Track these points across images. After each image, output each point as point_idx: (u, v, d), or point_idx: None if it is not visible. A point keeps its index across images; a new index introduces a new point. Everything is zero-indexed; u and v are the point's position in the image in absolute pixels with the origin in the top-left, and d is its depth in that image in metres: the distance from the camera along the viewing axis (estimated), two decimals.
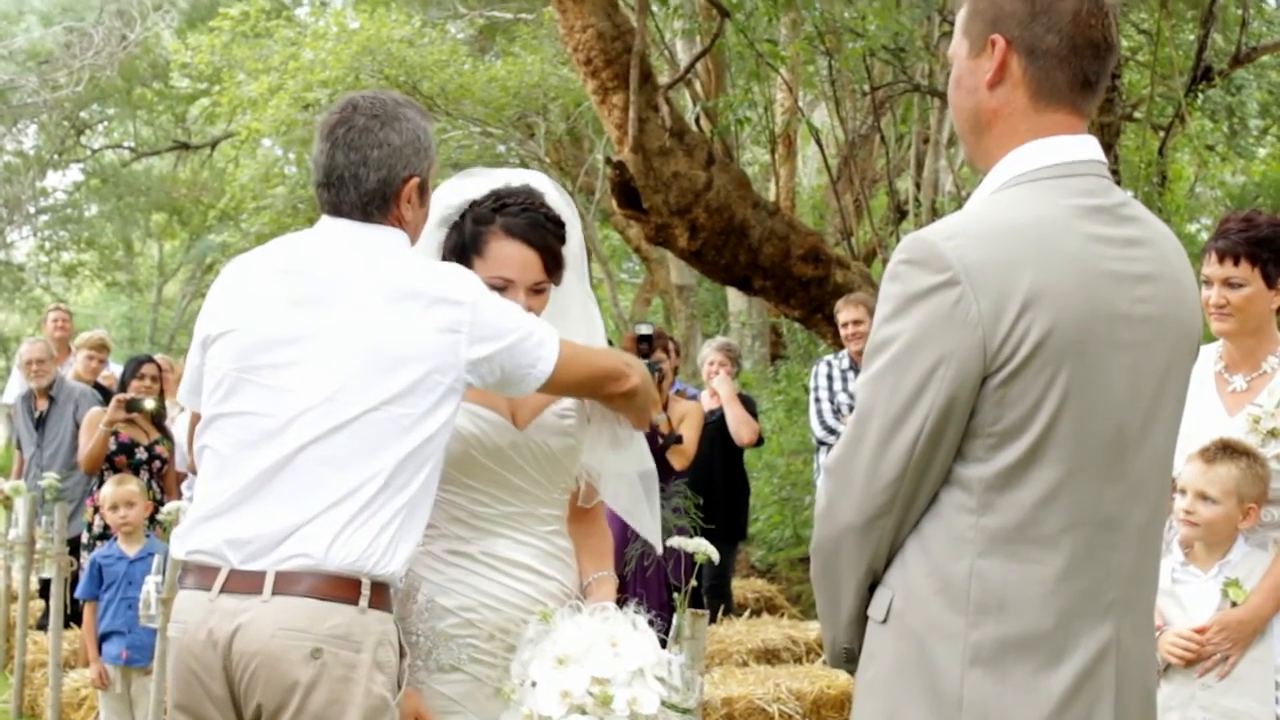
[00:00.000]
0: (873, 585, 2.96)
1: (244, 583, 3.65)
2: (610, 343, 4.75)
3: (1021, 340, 2.75)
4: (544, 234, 4.16)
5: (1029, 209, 2.87)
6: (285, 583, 3.62)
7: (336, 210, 3.92)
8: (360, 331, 3.72)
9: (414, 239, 3.98)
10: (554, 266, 4.19)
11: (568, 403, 4.22)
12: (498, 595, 4.02)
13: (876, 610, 2.94)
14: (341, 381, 3.69)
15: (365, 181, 3.87)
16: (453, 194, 4.25)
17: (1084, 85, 2.97)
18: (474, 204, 4.20)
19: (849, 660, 3.05)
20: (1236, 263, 4.97)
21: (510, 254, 4.11)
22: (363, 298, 3.76)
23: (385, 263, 3.82)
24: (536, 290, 4.15)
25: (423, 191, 3.96)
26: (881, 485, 2.85)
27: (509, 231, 4.11)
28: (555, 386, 3.92)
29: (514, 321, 3.80)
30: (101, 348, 12.82)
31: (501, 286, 4.05)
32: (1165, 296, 2.95)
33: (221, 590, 3.66)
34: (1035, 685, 2.79)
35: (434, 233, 4.22)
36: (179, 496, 10.22)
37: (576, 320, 4.34)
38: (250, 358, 3.81)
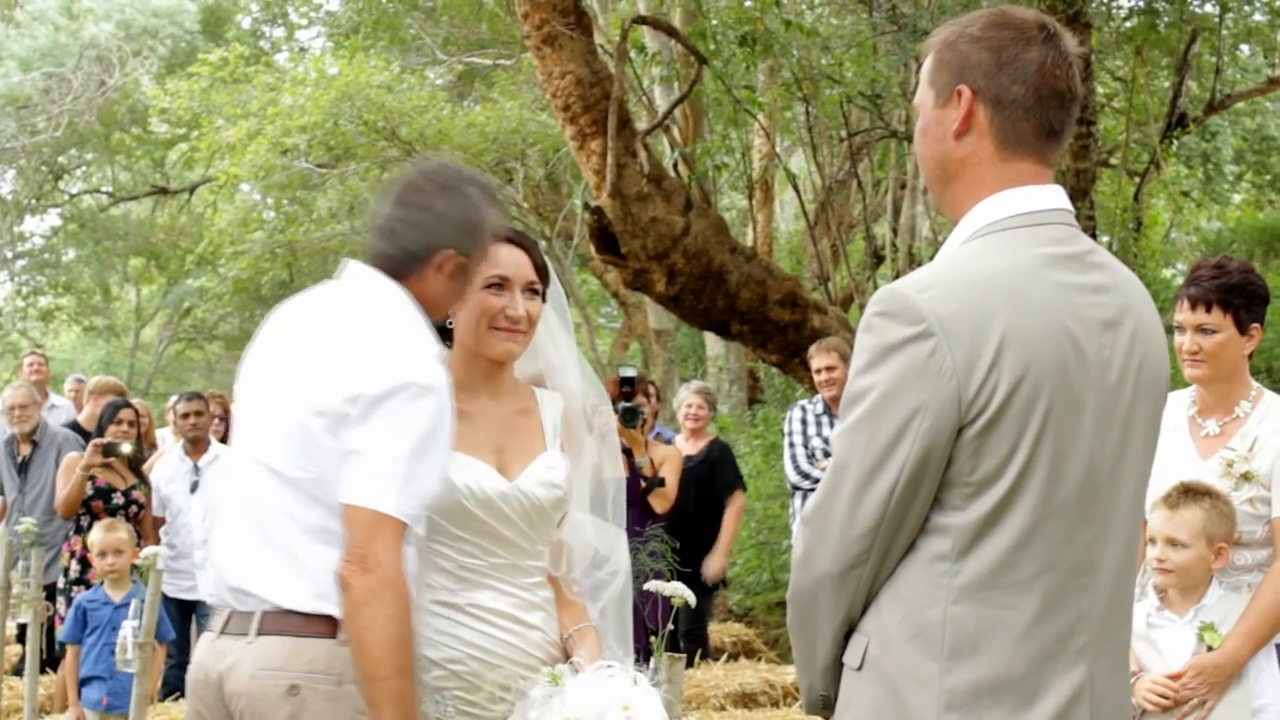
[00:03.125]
0: (848, 633, 2.98)
1: (238, 624, 3.75)
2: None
3: (995, 390, 2.78)
4: (527, 240, 4.24)
5: (1000, 259, 2.90)
6: (269, 623, 3.69)
7: (370, 257, 3.96)
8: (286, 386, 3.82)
9: (435, 314, 3.96)
10: (543, 274, 4.23)
11: (555, 455, 4.22)
12: (484, 647, 4.01)
13: (852, 657, 2.96)
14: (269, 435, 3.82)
15: (402, 239, 3.90)
16: None
17: (1049, 134, 3.00)
18: None
19: (825, 707, 3.07)
20: (1209, 309, 5.00)
21: (504, 254, 4.14)
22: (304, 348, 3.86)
23: (360, 320, 3.83)
24: (531, 290, 4.18)
25: (460, 270, 3.96)
26: (857, 535, 2.86)
27: (496, 237, 4.13)
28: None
29: (391, 446, 3.68)
30: (118, 393, 12.79)
31: (500, 283, 4.11)
32: (1131, 342, 2.98)
33: (221, 632, 3.79)
34: None
35: None
36: (157, 541, 10.20)
37: (569, 361, 4.39)
38: (237, 396, 4.02)
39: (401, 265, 3.90)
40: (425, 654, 3.99)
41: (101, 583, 8.52)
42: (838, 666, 3.01)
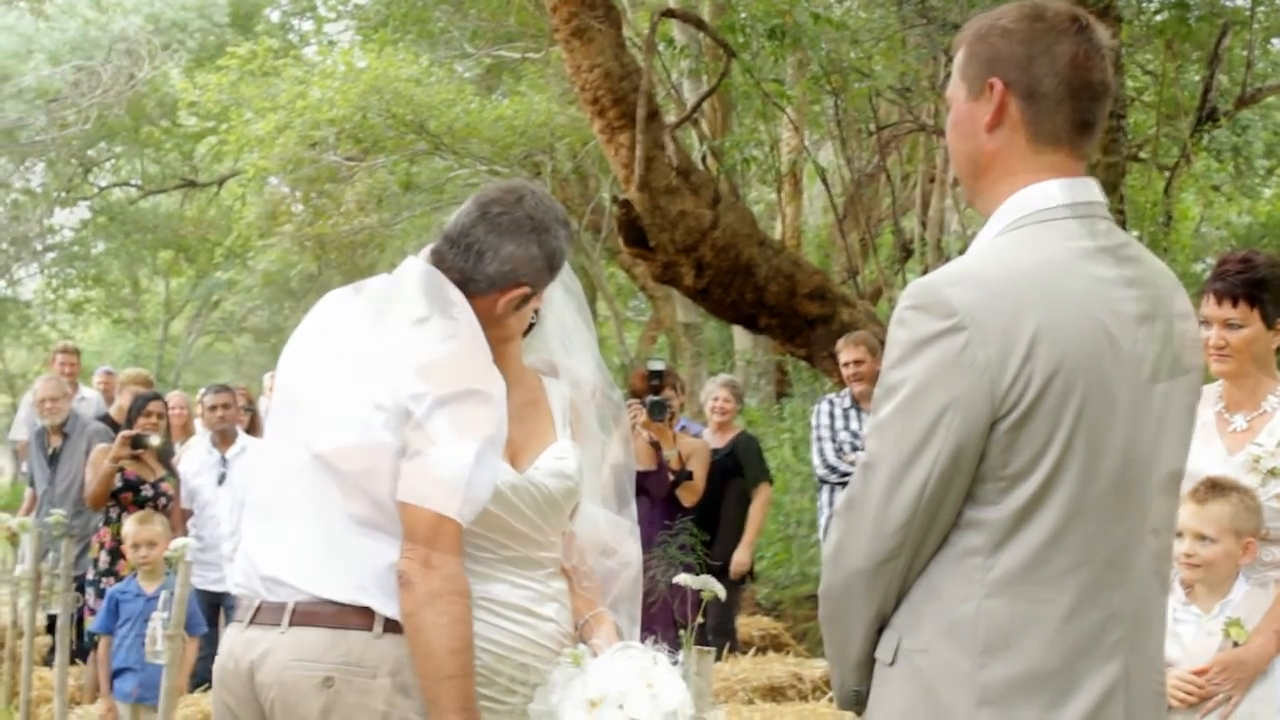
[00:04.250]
0: (880, 628, 2.98)
1: (269, 614, 3.76)
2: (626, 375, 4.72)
3: (1029, 384, 2.78)
4: None
5: (1032, 252, 2.90)
6: (302, 613, 3.70)
7: (440, 261, 3.97)
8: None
9: (490, 336, 3.95)
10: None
11: (566, 445, 4.22)
12: (497, 640, 3.99)
13: (884, 652, 2.95)
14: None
15: (486, 264, 3.94)
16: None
17: (1082, 127, 3.00)
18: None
19: (858, 702, 3.06)
20: (1235, 304, 4.98)
21: None
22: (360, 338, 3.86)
23: (429, 322, 3.86)
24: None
25: (525, 301, 4.02)
26: (891, 530, 2.86)
27: None
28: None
29: (457, 450, 3.72)
30: (146, 385, 12.85)
31: None
32: (1166, 336, 2.98)
33: (250, 622, 3.79)
34: None
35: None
36: (185, 533, 10.24)
37: (556, 348, 4.38)
38: (278, 381, 4.10)
39: (476, 285, 3.94)
40: None
41: (134, 574, 8.55)
42: (870, 662, 3.00)
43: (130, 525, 8.60)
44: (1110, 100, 3.07)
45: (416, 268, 3.98)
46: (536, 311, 4.22)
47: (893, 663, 2.93)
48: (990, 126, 3.01)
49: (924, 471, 2.82)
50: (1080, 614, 2.85)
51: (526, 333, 4.23)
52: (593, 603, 4.26)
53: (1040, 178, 2.99)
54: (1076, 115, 2.99)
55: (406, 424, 3.67)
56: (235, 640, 3.81)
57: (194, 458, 11.10)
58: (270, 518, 3.86)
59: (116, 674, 8.15)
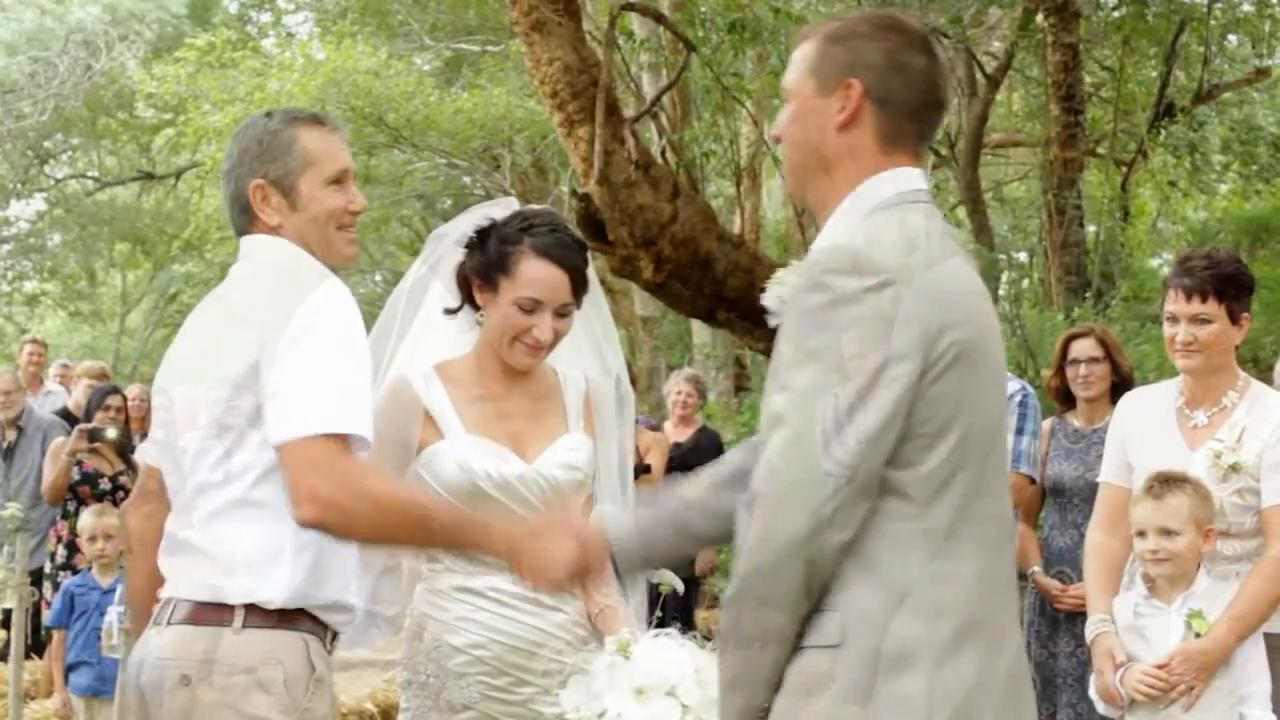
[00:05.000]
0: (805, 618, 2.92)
1: (161, 612, 3.65)
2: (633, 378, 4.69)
3: (951, 341, 2.84)
4: (572, 255, 4.15)
5: (913, 225, 2.97)
6: (175, 610, 3.59)
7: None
8: None
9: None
10: (581, 288, 4.18)
11: (578, 438, 4.20)
12: (506, 630, 3.99)
13: (824, 636, 2.89)
14: None
15: None
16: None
17: (922, 139, 3.12)
18: (496, 224, 4.19)
19: None
20: (1204, 300, 5.01)
21: (541, 274, 4.09)
22: None
23: None
24: (562, 313, 4.14)
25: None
26: (829, 493, 2.80)
27: (539, 251, 4.09)
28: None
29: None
30: (103, 377, 12.77)
31: (530, 308, 4.06)
32: (992, 310, 3.09)
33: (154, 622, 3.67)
34: (988, 673, 2.87)
35: (451, 253, 4.23)
36: None
37: (586, 348, 4.38)
38: None
39: None
40: (447, 640, 3.99)
41: (90, 567, 8.50)
42: (781, 670, 2.94)
43: (87, 518, 8.52)
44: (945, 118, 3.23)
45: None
46: None
47: (839, 644, 2.87)
48: (843, 126, 3.06)
49: (866, 426, 2.79)
50: (995, 568, 2.94)
51: (564, 325, 4.19)
52: (604, 595, 4.20)
53: (891, 170, 3.07)
54: (923, 128, 3.11)
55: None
56: (141, 638, 3.72)
57: None
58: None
59: (72, 668, 8.09)
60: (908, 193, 3.04)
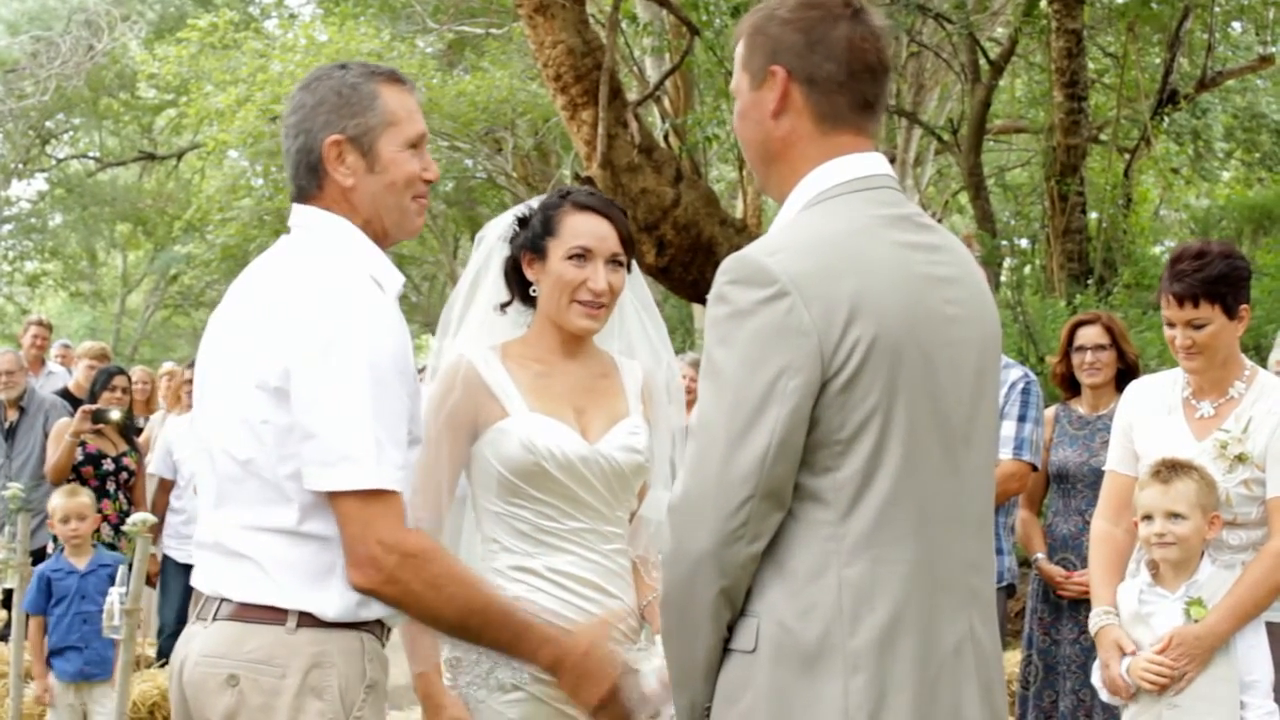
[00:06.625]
0: (730, 623, 2.93)
1: (207, 607, 3.44)
2: None
3: (855, 345, 2.80)
4: (614, 209, 4.16)
5: (841, 220, 2.95)
6: (221, 606, 3.38)
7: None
8: None
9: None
10: (629, 244, 4.16)
11: (638, 421, 4.18)
12: (562, 614, 3.91)
13: (744, 641, 2.90)
14: None
15: None
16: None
17: (864, 107, 3.07)
18: (533, 207, 4.21)
19: None
20: (1196, 304, 4.97)
21: (586, 225, 4.08)
22: None
23: None
24: (615, 262, 4.11)
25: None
26: (734, 505, 2.81)
27: (581, 205, 4.10)
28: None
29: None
30: (103, 358, 12.76)
31: (581, 255, 4.05)
32: (969, 298, 3.05)
33: (198, 615, 3.50)
34: (919, 672, 2.85)
35: (497, 250, 4.23)
36: (145, 508, 10.16)
37: (637, 338, 4.38)
38: None
39: None
40: None
41: (61, 550, 8.32)
42: (715, 673, 2.96)
43: (57, 498, 8.30)
44: (890, 80, 3.18)
45: None
46: None
47: (754, 649, 2.88)
48: (775, 113, 3.06)
49: (763, 441, 2.79)
50: (929, 569, 2.89)
51: (618, 278, 4.16)
52: (653, 586, 4.19)
53: (831, 157, 3.05)
54: (857, 96, 3.06)
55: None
56: (184, 634, 3.53)
57: (179, 429, 10.91)
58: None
59: (55, 654, 7.93)
60: (851, 181, 3.02)
